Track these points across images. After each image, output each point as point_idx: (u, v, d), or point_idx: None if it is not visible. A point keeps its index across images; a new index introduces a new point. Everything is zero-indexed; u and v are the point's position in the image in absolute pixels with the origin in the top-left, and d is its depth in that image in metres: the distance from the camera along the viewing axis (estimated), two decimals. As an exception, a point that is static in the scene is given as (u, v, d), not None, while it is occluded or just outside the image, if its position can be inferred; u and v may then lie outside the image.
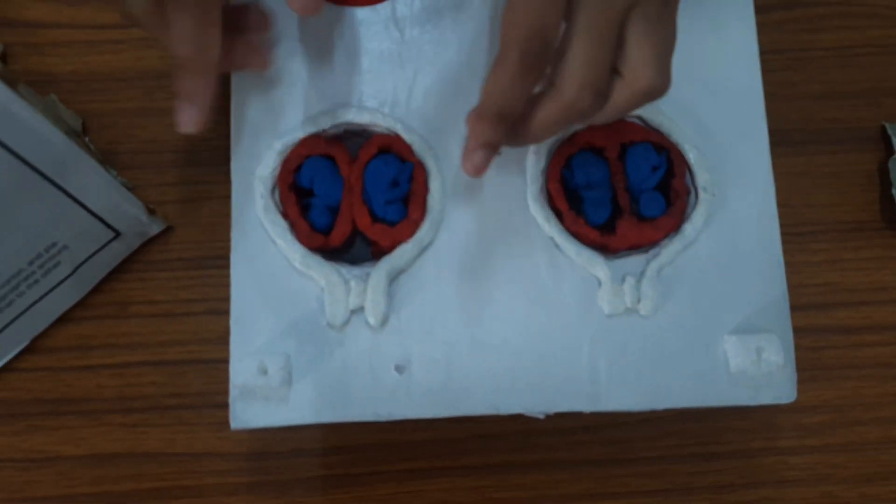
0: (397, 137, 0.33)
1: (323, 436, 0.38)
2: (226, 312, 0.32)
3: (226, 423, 0.31)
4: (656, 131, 0.34)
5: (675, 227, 0.33)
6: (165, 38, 0.30)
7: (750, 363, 0.32)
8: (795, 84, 0.41)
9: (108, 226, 0.37)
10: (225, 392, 0.31)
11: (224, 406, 0.31)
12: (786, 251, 0.38)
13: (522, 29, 0.26)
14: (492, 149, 0.29)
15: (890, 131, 0.40)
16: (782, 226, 0.39)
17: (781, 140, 0.39)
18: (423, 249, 0.33)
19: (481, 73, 0.34)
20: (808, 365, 0.38)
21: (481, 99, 0.28)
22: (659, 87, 0.27)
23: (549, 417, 0.35)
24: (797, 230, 0.40)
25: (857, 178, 0.41)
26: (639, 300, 0.32)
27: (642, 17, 0.27)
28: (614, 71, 0.28)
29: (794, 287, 0.38)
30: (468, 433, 0.38)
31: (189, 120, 0.30)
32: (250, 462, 0.38)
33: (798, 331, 0.38)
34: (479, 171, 0.29)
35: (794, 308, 0.38)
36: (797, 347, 0.38)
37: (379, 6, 0.35)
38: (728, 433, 0.38)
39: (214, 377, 0.38)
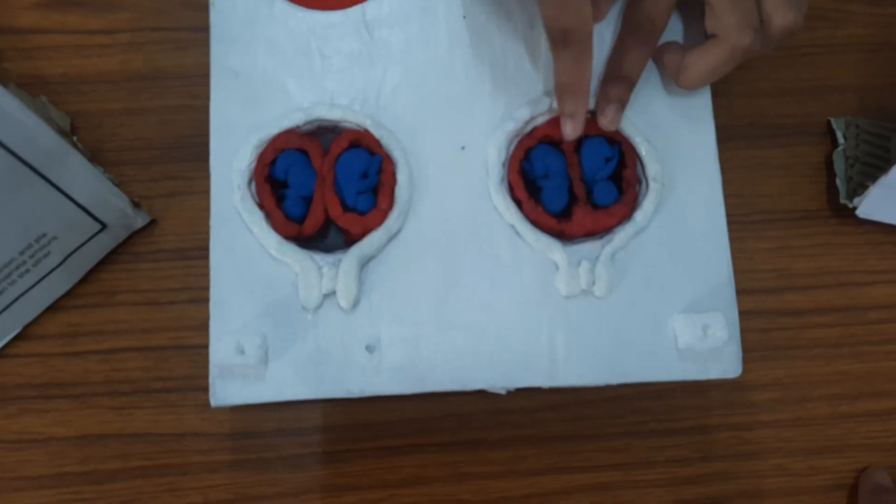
0: (367, 132, 0.35)
1: (302, 416, 0.39)
2: (207, 300, 0.33)
3: (208, 404, 0.32)
4: (610, 125, 0.36)
5: (627, 215, 0.34)
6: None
7: (697, 340, 0.33)
8: (747, 82, 0.42)
9: (96, 218, 0.37)
10: (207, 376, 0.32)
11: (206, 389, 0.32)
12: (738, 238, 0.40)
13: (637, 16, 0.34)
14: (619, 104, 0.34)
15: (835, 125, 0.42)
16: (736, 215, 0.40)
17: (734, 134, 0.41)
18: (392, 237, 0.34)
19: (446, 72, 0.36)
20: (759, 346, 0.40)
21: (606, 67, 0.35)
22: (797, 24, 0.33)
23: (515, 396, 0.37)
24: (749, 219, 0.41)
25: (805, 170, 0.42)
26: (594, 282, 0.34)
27: None
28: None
29: (746, 272, 0.40)
30: (440, 412, 0.39)
31: (574, 130, 0.33)
32: (232, 441, 0.38)
33: (750, 313, 0.40)
34: (613, 122, 0.34)
35: (747, 292, 0.40)
36: (749, 329, 0.40)
37: (350, 10, 0.36)
38: (685, 410, 0.40)
39: (197, 362, 0.39)
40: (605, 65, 0.35)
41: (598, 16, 0.32)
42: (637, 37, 0.34)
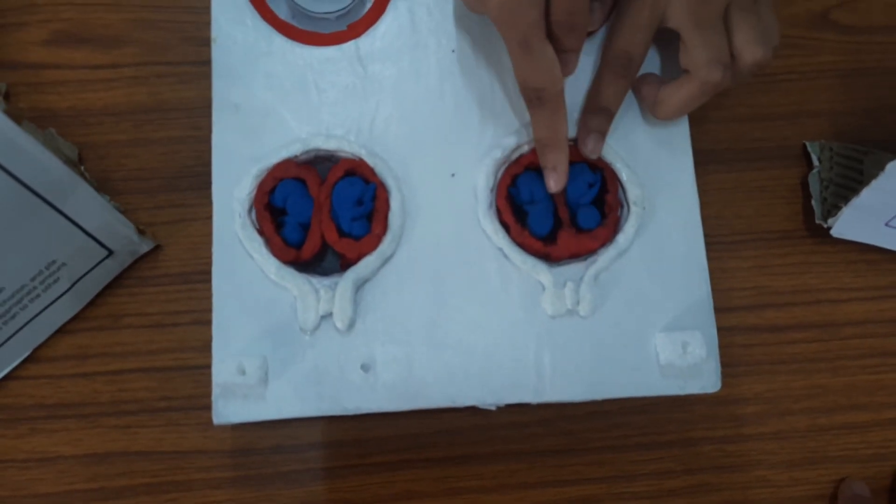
0: (361, 161, 0.36)
1: (299, 433, 0.40)
2: (209, 323, 0.34)
3: (210, 422, 0.33)
4: (592, 152, 0.37)
5: (610, 238, 0.36)
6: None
7: (677, 357, 0.34)
8: (725, 108, 0.44)
9: (103, 245, 0.38)
10: (209, 395, 0.34)
11: (209, 408, 0.34)
12: (718, 258, 0.41)
13: (613, 51, 0.36)
14: (599, 133, 0.36)
15: (810, 149, 0.43)
16: (716, 235, 0.42)
17: (713, 158, 0.43)
18: (386, 261, 0.35)
19: (436, 103, 0.37)
20: (740, 361, 0.41)
21: (586, 99, 0.37)
22: (766, 58, 0.34)
23: (505, 412, 0.37)
24: (729, 239, 0.42)
25: (782, 192, 0.43)
26: (578, 302, 0.35)
27: (737, 8, 0.34)
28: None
29: (726, 290, 0.42)
30: (432, 429, 0.40)
31: (557, 182, 0.35)
32: (233, 458, 0.39)
33: (731, 330, 0.41)
34: (594, 151, 0.36)
35: (728, 309, 0.41)
36: (731, 345, 0.41)
37: (344, 45, 0.37)
38: (669, 424, 0.41)
39: (200, 382, 0.39)
40: (586, 96, 0.37)
41: (566, 71, 0.34)
42: (615, 70, 0.36)
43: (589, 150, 0.36)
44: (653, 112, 0.37)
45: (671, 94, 0.36)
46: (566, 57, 0.33)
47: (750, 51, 0.34)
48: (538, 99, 0.33)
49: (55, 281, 0.38)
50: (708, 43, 0.34)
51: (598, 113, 0.36)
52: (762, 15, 0.35)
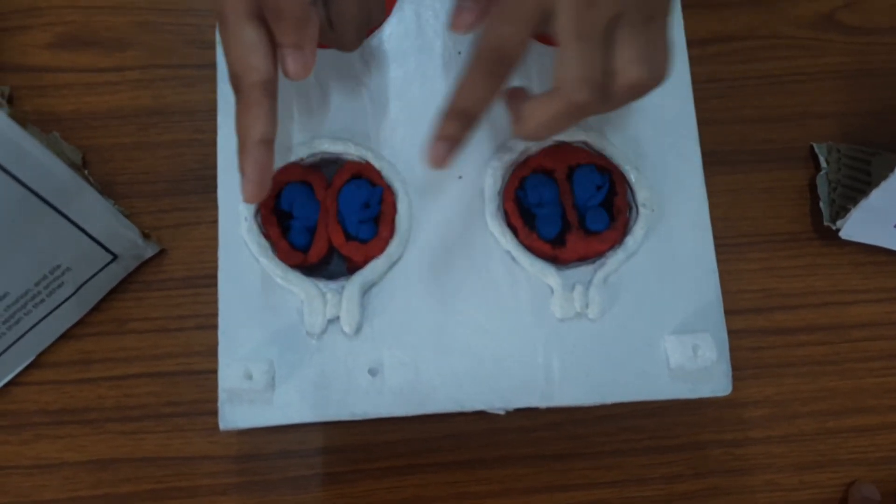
0: (368, 164, 0.36)
1: (306, 438, 0.39)
2: (215, 327, 0.34)
3: (216, 428, 0.33)
4: (600, 154, 0.37)
5: (619, 240, 0.36)
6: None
7: (687, 360, 0.34)
8: (731, 109, 0.44)
9: (107, 249, 0.38)
10: (215, 400, 0.33)
11: (214, 413, 0.33)
12: (726, 260, 0.41)
13: (484, 44, 0.30)
14: (452, 142, 0.31)
15: (818, 150, 0.43)
16: (723, 237, 0.41)
17: (719, 160, 0.43)
18: (393, 264, 0.35)
19: (442, 105, 0.37)
20: (749, 364, 0.41)
21: (447, 99, 0.31)
22: (647, 82, 0.29)
23: (513, 416, 0.38)
24: (736, 241, 0.42)
25: (789, 194, 0.43)
26: (587, 305, 0.35)
27: (627, 23, 0.28)
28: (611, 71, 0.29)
29: (734, 293, 0.42)
30: (440, 433, 0.40)
31: (249, 194, 0.30)
32: (239, 464, 0.39)
33: (739, 333, 0.41)
34: (438, 161, 0.31)
35: (735, 312, 0.41)
36: (738, 348, 0.41)
37: None
38: (678, 427, 0.41)
39: (205, 386, 0.39)
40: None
41: (291, 71, 0.29)
42: (482, 69, 0.30)
43: (432, 158, 0.31)
44: (513, 129, 0.31)
45: (534, 111, 0.30)
46: (291, 54, 0.29)
47: (630, 70, 0.28)
48: (234, 88, 0.29)
49: (59, 286, 0.38)
50: (581, 57, 0.28)
51: (455, 117, 0.31)
52: (653, 37, 0.29)
